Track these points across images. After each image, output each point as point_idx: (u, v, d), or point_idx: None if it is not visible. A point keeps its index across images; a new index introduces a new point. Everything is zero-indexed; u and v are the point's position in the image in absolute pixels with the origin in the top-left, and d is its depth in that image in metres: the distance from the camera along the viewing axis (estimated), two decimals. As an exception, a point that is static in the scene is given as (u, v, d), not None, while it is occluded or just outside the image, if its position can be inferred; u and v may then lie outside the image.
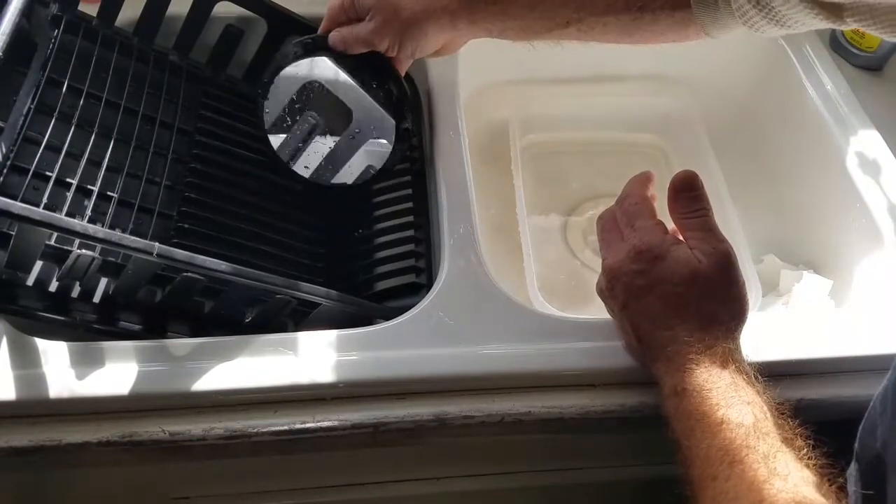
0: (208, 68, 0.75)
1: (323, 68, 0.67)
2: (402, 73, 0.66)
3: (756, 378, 0.50)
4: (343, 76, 0.67)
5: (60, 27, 0.65)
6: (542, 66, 0.88)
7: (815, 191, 0.80)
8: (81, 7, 0.68)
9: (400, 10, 0.60)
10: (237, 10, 0.71)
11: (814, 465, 0.46)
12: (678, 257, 0.53)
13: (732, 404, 0.47)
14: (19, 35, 0.53)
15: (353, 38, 0.62)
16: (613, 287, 0.55)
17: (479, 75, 0.84)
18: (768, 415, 0.48)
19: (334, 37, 0.63)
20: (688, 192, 0.56)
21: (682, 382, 0.50)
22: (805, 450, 0.47)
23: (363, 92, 0.67)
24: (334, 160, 0.71)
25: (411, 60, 0.66)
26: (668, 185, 0.56)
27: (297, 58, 0.65)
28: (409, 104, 0.68)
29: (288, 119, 0.69)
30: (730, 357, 0.50)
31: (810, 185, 0.80)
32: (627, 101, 0.93)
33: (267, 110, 0.67)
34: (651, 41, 0.58)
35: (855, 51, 0.82)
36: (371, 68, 0.65)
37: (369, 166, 0.71)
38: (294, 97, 0.68)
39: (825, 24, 0.48)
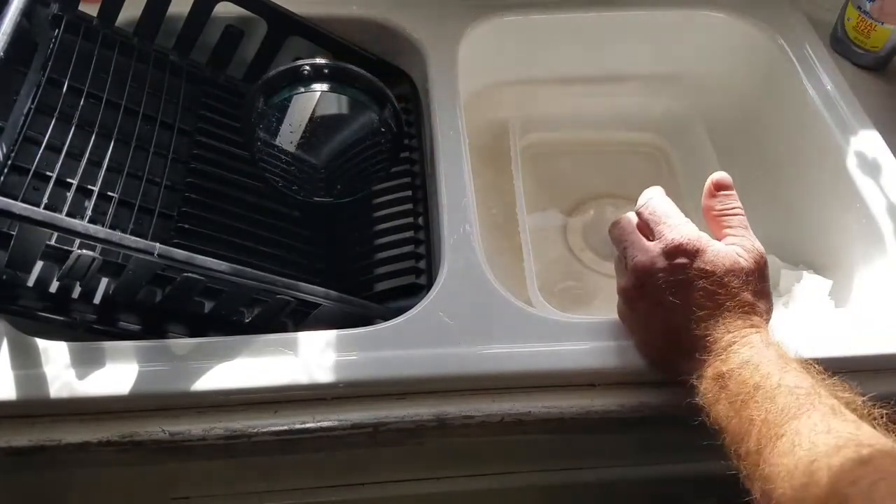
0: (208, 68, 0.75)
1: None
2: None
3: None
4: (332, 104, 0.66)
5: (61, 27, 0.65)
6: (542, 66, 0.87)
7: (815, 191, 0.79)
8: (82, 7, 0.68)
9: None
10: (237, 10, 0.71)
11: (879, 423, 0.46)
12: (718, 250, 0.53)
13: (788, 370, 0.48)
14: (20, 35, 0.53)
15: None
16: (644, 285, 0.54)
17: (479, 75, 0.84)
18: (825, 379, 0.48)
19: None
20: (726, 190, 0.57)
21: (726, 364, 0.50)
22: (867, 409, 0.46)
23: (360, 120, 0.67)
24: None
25: None
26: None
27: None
28: (406, 132, 0.67)
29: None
30: (771, 337, 0.51)
31: (810, 185, 0.80)
32: (627, 101, 0.92)
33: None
34: None
35: (859, 50, 0.82)
36: (371, 97, 0.65)
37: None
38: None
39: None
